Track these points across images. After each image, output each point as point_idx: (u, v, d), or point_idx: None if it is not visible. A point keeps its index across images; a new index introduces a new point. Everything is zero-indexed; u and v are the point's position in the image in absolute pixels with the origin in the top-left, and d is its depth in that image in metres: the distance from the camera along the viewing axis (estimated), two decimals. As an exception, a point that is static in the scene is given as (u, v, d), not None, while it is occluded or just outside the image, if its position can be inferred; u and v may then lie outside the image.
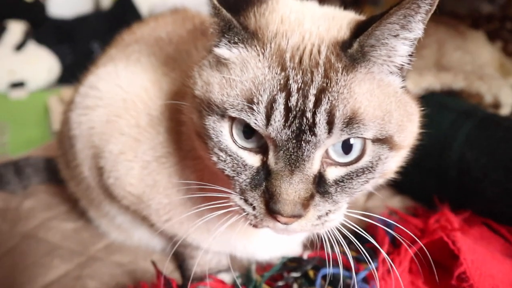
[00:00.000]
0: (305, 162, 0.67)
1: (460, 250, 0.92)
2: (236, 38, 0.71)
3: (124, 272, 1.10)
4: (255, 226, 0.83)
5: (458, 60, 1.55)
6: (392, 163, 0.74)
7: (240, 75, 0.69)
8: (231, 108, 0.68)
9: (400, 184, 1.15)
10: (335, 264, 1.00)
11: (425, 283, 0.97)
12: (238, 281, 1.01)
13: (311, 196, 0.68)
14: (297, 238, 1.05)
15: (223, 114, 0.70)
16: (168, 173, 0.92)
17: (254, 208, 0.70)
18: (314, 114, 0.65)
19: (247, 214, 0.72)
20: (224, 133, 0.71)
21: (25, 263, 1.12)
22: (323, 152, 0.69)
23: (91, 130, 0.96)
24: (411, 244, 0.95)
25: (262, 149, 0.71)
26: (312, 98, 0.65)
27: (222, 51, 0.73)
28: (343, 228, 0.75)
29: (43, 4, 2.60)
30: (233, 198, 0.73)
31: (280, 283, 0.99)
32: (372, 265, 0.91)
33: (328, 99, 0.65)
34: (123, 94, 0.95)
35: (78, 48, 2.56)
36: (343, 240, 0.76)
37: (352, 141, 0.69)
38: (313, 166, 0.68)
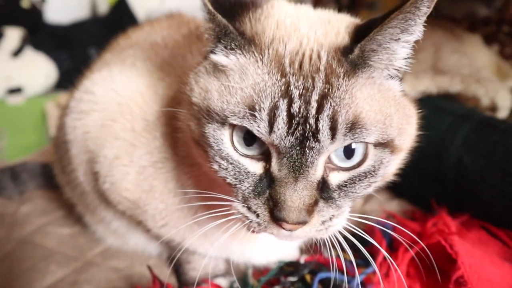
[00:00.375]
0: (309, 168, 0.66)
1: (457, 254, 0.91)
2: (232, 44, 0.71)
3: (121, 277, 1.09)
4: (253, 231, 0.83)
5: (455, 63, 1.55)
6: (393, 165, 0.74)
7: (239, 82, 0.69)
8: (232, 115, 0.67)
9: (397, 187, 1.16)
10: (332, 268, 1.00)
11: (422, 287, 0.97)
12: (235, 286, 1.01)
13: (315, 202, 0.68)
14: (294, 242, 1.05)
15: (223, 122, 0.69)
16: (165, 178, 0.92)
17: (258, 215, 0.70)
18: (317, 120, 0.64)
19: (251, 221, 0.71)
20: (224, 141, 0.70)
21: (21, 268, 1.11)
22: (326, 158, 0.68)
23: (86, 135, 0.96)
24: (409, 248, 0.95)
25: (264, 156, 0.70)
26: (314, 104, 0.65)
27: (219, 57, 0.72)
28: (343, 231, 0.75)
29: (40, 10, 2.61)
30: (235, 206, 0.73)
31: (277, 288, 0.98)
32: (375, 265, 0.90)
33: (330, 105, 0.65)
34: (118, 98, 0.94)
35: (75, 54, 2.56)
36: (343, 244, 0.76)
37: (354, 145, 0.68)
38: (317, 172, 0.68)
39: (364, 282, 0.96)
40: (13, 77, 2.37)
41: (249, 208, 0.71)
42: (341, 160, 0.69)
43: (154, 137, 0.91)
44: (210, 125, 0.70)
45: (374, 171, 0.71)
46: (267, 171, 0.69)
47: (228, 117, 0.68)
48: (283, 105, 0.65)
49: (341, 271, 0.95)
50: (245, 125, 0.66)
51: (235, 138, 0.70)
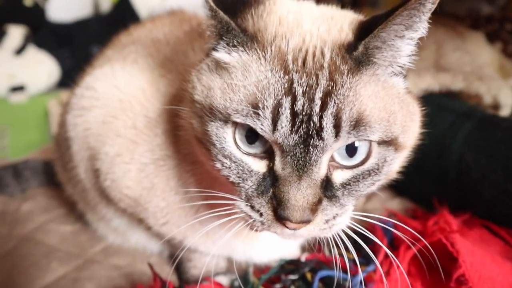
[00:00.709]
0: (313, 167, 0.66)
1: (458, 252, 0.91)
2: (235, 41, 0.70)
3: (121, 275, 1.10)
4: (256, 230, 0.82)
5: (457, 60, 1.54)
6: (396, 164, 0.74)
7: (242, 80, 0.68)
8: (235, 113, 0.67)
9: (399, 185, 1.15)
10: (333, 267, 1.00)
11: (423, 285, 0.97)
12: (236, 284, 1.01)
13: (319, 201, 0.68)
14: (296, 241, 1.05)
15: (226, 120, 0.69)
16: (166, 176, 0.92)
17: (261, 214, 0.70)
18: (321, 118, 0.64)
19: (254, 220, 0.71)
20: (227, 139, 0.70)
21: (23, 265, 1.12)
22: (330, 156, 0.68)
23: (87, 131, 0.96)
24: (411, 245, 0.94)
25: (267, 154, 0.70)
26: (318, 102, 0.64)
27: (221, 55, 0.72)
28: (346, 229, 0.75)
29: (43, 9, 2.60)
30: (238, 205, 0.72)
31: (278, 286, 0.98)
32: (377, 263, 0.90)
33: (334, 102, 0.64)
34: (119, 95, 0.94)
35: (78, 52, 2.56)
36: (345, 242, 0.75)
37: (357, 143, 0.68)
38: (321, 170, 0.67)
39: (365, 280, 0.96)
40: (16, 75, 2.36)
41: (252, 207, 0.70)
42: (343, 158, 0.69)
43: (155, 134, 0.91)
44: (212, 123, 0.70)
45: (378, 169, 0.70)
46: (271, 170, 0.69)
47: (231, 115, 0.67)
48: (286, 102, 0.64)
49: (343, 269, 0.95)
50: (248, 123, 0.66)
51: (237, 136, 0.69)
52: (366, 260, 1.00)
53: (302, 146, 0.65)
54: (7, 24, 2.46)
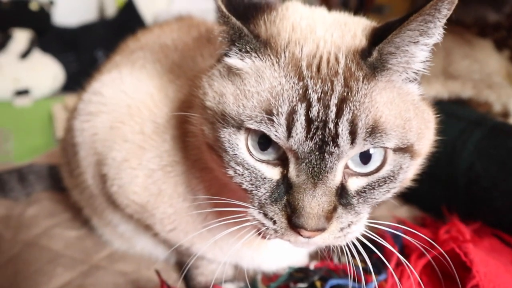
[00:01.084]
0: (328, 174, 0.65)
1: (472, 262, 0.89)
2: (247, 47, 0.69)
3: (127, 281, 1.08)
4: (268, 238, 0.81)
5: (466, 68, 1.54)
6: (411, 171, 0.73)
7: (255, 86, 0.67)
8: (249, 120, 0.66)
9: (407, 193, 1.13)
10: (343, 275, 0.98)
11: (435, 295, 0.95)
12: (244, 292, 0.99)
13: (334, 209, 0.66)
14: (304, 249, 1.03)
15: (239, 126, 0.68)
16: (174, 182, 0.91)
17: (274, 222, 0.68)
18: (336, 124, 0.63)
19: (267, 228, 0.69)
20: (240, 146, 0.69)
21: (27, 271, 1.10)
22: (345, 163, 0.67)
23: (94, 137, 0.95)
24: (425, 252, 0.93)
25: (280, 161, 0.69)
26: (333, 108, 0.63)
27: (234, 61, 0.71)
28: (360, 237, 0.73)
29: (48, 13, 2.61)
30: (251, 213, 0.71)
31: (287, 294, 0.96)
32: (391, 268, 0.88)
33: (350, 109, 0.63)
34: (127, 100, 0.94)
35: (83, 56, 2.56)
36: (359, 249, 0.74)
37: (371, 151, 0.67)
38: (336, 177, 0.66)
39: (376, 290, 0.94)
40: (21, 79, 2.37)
41: (265, 215, 0.69)
42: (357, 165, 0.68)
43: (163, 140, 0.90)
44: (225, 129, 0.69)
45: (393, 176, 0.69)
46: (284, 177, 0.68)
47: (244, 122, 0.66)
48: (301, 109, 0.63)
49: (352, 277, 0.93)
50: (262, 129, 0.65)
51: (250, 143, 0.68)
52: (376, 269, 0.98)
53: (317, 153, 0.64)
54: (12, 28, 2.47)
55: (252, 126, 0.66)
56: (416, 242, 0.86)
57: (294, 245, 0.72)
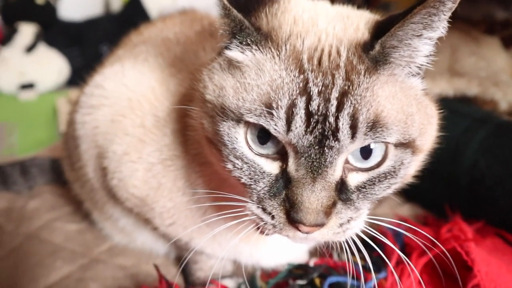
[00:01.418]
0: (327, 168, 0.64)
1: (474, 262, 0.88)
2: (248, 40, 0.68)
3: (127, 276, 1.08)
4: (266, 234, 0.80)
5: (472, 65, 1.52)
6: (413, 167, 0.72)
7: (255, 79, 0.66)
8: (248, 113, 0.65)
9: (409, 191, 1.12)
10: (342, 273, 0.98)
11: (436, 294, 0.94)
12: (242, 287, 0.99)
13: (333, 204, 0.66)
14: (303, 246, 1.03)
15: (238, 120, 0.67)
16: (174, 176, 0.90)
17: (273, 217, 0.68)
18: (337, 118, 0.62)
19: (265, 223, 0.69)
20: (239, 140, 0.68)
21: (28, 263, 1.11)
22: (345, 158, 0.66)
23: (95, 130, 0.95)
24: (427, 250, 0.92)
25: (280, 155, 0.68)
26: (334, 102, 0.62)
27: (234, 53, 0.70)
28: (360, 233, 0.72)
29: (54, 7, 2.61)
30: (249, 207, 0.70)
31: (286, 291, 0.96)
32: (391, 265, 0.87)
33: (351, 103, 0.62)
34: (128, 94, 0.93)
35: (88, 50, 2.56)
36: (359, 246, 0.73)
37: (372, 145, 0.66)
38: (336, 172, 0.65)
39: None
40: (26, 73, 2.38)
41: (264, 209, 0.68)
42: (358, 160, 0.67)
43: (164, 134, 0.90)
44: (224, 123, 0.68)
45: (394, 172, 0.68)
46: (284, 171, 0.67)
47: (244, 115, 0.66)
48: (301, 102, 0.62)
49: (351, 275, 0.92)
50: (261, 123, 0.64)
51: (249, 136, 0.68)
52: (376, 267, 0.97)
53: (317, 147, 0.63)
54: (18, 22, 2.47)
55: (251, 120, 0.65)
56: (417, 239, 0.85)
57: (292, 240, 0.71)
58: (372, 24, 0.70)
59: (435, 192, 1.29)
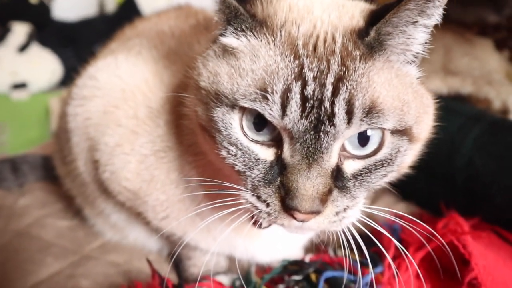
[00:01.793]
0: (323, 154, 0.63)
1: (471, 255, 0.87)
2: (243, 26, 0.68)
3: (119, 272, 1.06)
4: (259, 226, 0.79)
5: (466, 65, 1.53)
6: (409, 156, 0.71)
7: (250, 64, 0.66)
8: (243, 98, 0.65)
9: (405, 189, 1.11)
10: (338, 268, 0.97)
11: (433, 288, 0.93)
12: (237, 283, 0.97)
13: (329, 191, 0.65)
14: (299, 241, 1.02)
15: (233, 105, 0.66)
16: (167, 168, 0.89)
17: (268, 205, 0.67)
18: (332, 103, 0.62)
19: (260, 211, 0.68)
20: (234, 126, 0.67)
21: (17, 259, 1.08)
22: (341, 144, 0.65)
23: (87, 121, 0.93)
24: (419, 247, 0.91)
25: (275, 142, 0.67)
26: (329, 87, 0.62)
27: (229, 40, 0.70)
28: (357, 223, 0.71)
29: (48, 7, 2.59)
30: (244, 195, 0.69)
31: (281, 286, 0.94)
32: (390, 260, 0.85)
33: (347, 88, 0.62)
34: (122, 85, 0.92)
35: (82, 51, 2.53)
36: (357, 239, 0.73)
37: (369, 132, 0.66)
38: (331, 159, 0.65)
39: (372, 283, 0.92)
40: (19, 72, 2.35)
41: (258, 197, 0.67)
42: (355, 147, 0.66)
43: (157, 125, 0.89)
44: (219, 109, 0.67)
45: (391, 159, 0.68)
46: (279, 158, 0.66)
47: (238, 100, 0.65)
48: (296, 87, 0.62)
49: (348, 270, 0.91)
50: (256, 108, 0.63)
51: (244, 123, 0.67)
52: (373, 262, 0.96)
53: (312, 132, 0.62)
54: (11, 21, 2.45)
55: (246, 105, 0.64)
56: (414, 232, 0.84)
57: (288, 230, 0.70)
58: (367, 12, 0.70)
59: (430, 190, 1.28)
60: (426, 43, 0.68)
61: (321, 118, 0.62)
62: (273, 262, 1.02)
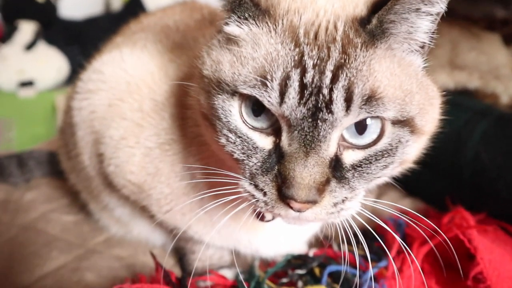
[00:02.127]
0: (321, 143, 0.63)
1: (476, 249, 0.86)
2: (246, 14, 0.68)
3: (123, 266, 1.07)
4: (261, 219, 0.79)
5: (473, 60, 1.51)
6: (413, 149, 0.70)
7: (251, 52, 0.66)
8: (243, 85, 0.64)
9: (410, 185, 1.11)
10: (342, 262, 0.96)
11: (438, 283, 0.92)
12: (240, 277, 0.97)
13: (327, 181, 0.64)
14: (303, 235, 1.01)
15: (233, 93, 0.66)
16: (171, 161, 0.89)
17: (265, 194, 0.66)
18: (331, 90, 0.61)
19: (257, 200, 0.67)
20: (233, 113, 0.67)
21: (23, 253, 1.09)
22: (340, 134, 0.65)
23: (92, 115, 0.94)
24: (424, 243, 0.90)
25: (274, 130, 0.67)
26: (329, 74, 0.61)
27: (232, 28, 0.70)
28: (357, 217, 0.71)
29: (55, 5, 2.61)
30: (242, 184, 0.69)
31: (284, 280, 0.94)
32: (390, 256, 0.85)
33: (346, 75, 0.61)
34: (127, 78, 0.92)
35: (88, 49, 2.53)
36: (358, 235, 0.72)
37: (368, 121, 0.65)
38: (330, 148, 0.64)
39: (376, 277, 0.92)
40: (25, 70, 2.37)
41: (256, 186, 0.67)
42: (352, 135, 0.65)
43: (162, 117, 0.89)
44: (219, 96, 0.68)
45: (391, 150, 0.66)
46: (277, 146, 0.66)
47: (238, 87, 0.65)
48: (295, 74, 0.62)
49: (352, 265, 0.91)
50: (255, 94, 0.63)
51: (243, 110, 0.67)
52: (377, 257, 0.96)
53: (310, 120, 0.62)
54: (18, 20, 2.47)
55: (245, 91, 0.64)
56: (419, 229, 0.83)
57: (285, 221, 0.70)
58: (371, 1, 0.69)
59: (436, 185, 1.27)
60: (432, 32, 0.67)
61: (319, 105, 0.61)
62: (277, 256, 1.02)
